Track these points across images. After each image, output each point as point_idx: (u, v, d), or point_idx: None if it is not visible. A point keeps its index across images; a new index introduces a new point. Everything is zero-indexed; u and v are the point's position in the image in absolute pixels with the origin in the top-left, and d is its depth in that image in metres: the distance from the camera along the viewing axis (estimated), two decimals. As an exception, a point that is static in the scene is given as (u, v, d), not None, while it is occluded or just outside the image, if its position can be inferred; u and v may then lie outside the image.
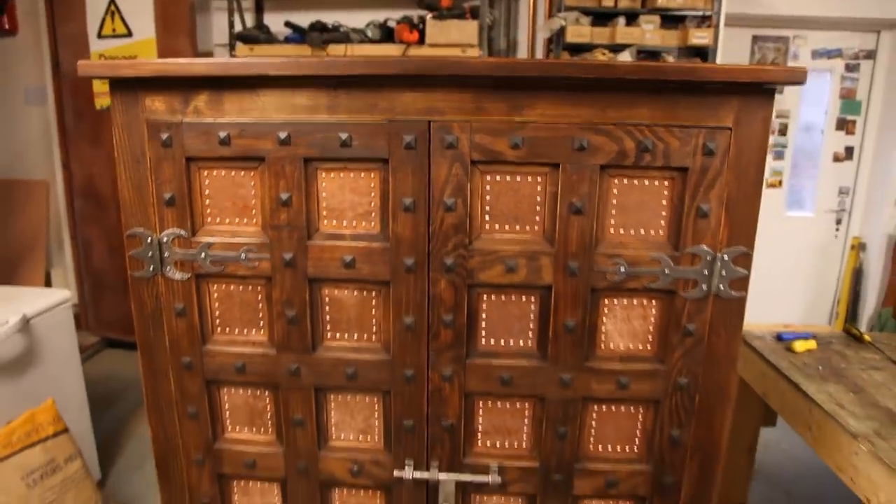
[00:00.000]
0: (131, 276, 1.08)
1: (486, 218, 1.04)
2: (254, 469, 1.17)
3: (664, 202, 1.03)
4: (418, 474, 1.13)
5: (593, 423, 1.13)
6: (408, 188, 1.01)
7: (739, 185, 1.00)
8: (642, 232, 1.04)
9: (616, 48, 2.95)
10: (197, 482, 1.20)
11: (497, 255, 1.04)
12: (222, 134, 1.00)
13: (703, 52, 2.95)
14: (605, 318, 1.08)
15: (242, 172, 1.03)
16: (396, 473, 1.14)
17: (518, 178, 1.02)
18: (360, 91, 0.97)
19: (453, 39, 2.87)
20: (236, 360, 1.11)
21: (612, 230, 1.04)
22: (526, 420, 1.14)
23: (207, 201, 1.05)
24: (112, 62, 0.98)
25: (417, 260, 1.03)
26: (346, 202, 1.04)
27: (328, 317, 1.09)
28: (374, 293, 1.07)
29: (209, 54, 3.20)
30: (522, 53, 3.38)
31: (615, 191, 1.02)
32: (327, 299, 1.08)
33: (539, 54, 3.33)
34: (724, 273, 1.03)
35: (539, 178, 1.02)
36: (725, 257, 1.02)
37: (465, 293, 1.05)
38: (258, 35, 2.88)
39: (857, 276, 3.64)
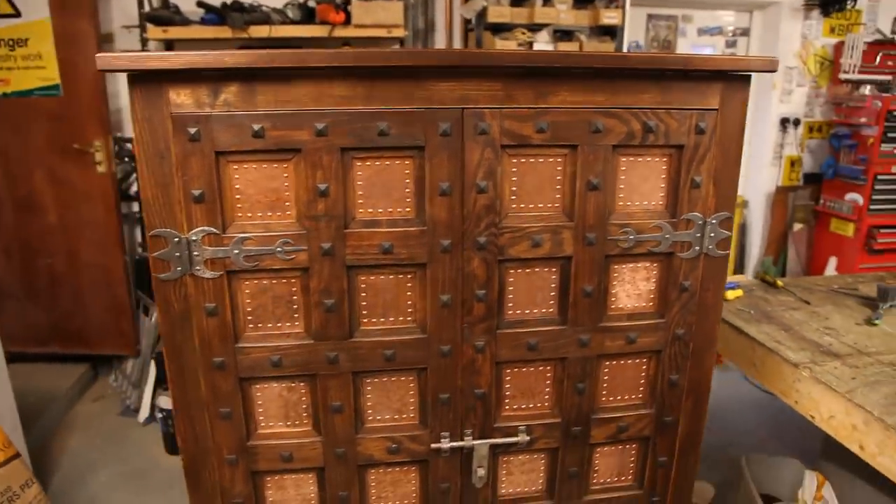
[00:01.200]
0: (156, 279, 1.04)
1: (513, 198, 1.11)
2: (290, 461, 1.18)
3: (663, 176, 1.16)
4: (454, 444, 1.20)
5: (605, 376, 1.26)
6: (444, 173, 1.06)
7: (724, 158, 1.15)
8: (645, 203, 1.17)
9: (534, 27, 3.10)
10: (230, 482, 1.18)
11: (524, 231, 1.12)
12: (256, 126, 0.98)
13: (612, 31, 3.19)
14: (614, 282, 1.20)
15: (275, 164, 1.02)
16: (434, 446, 1.20)
17: (541, 160, 1.10)
18: (397, 81, 1.00)
19: (380, 20, 2.86)
20: (272, 354, 1.11)
21: (620, 203, 1.16)
22: (548, 381, 1.24)
23: (238, 196, 1.03)
24: (137, 55, 0.92)
25: (453, 240, 1.09)
26: (382, 189, 1.06)
27: (364, 302, 1.12)
28: (409, 275, 1.12)
29: (110, 37, 2.93)
30: (440, 33, 3.43)
31: (623, 167, 1.14)
32: (363, 285, 1.11)
33: (457, 34, 3.41)
34: (712, 235, 1.18)
35: (559, 159, 1.11)
36: (713, 221, 1.18)
37: (496, 268, 1.13)
38: (172, 16, 2.69)
39: (743, 230, 4.16)
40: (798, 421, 2.93)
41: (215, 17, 2.79)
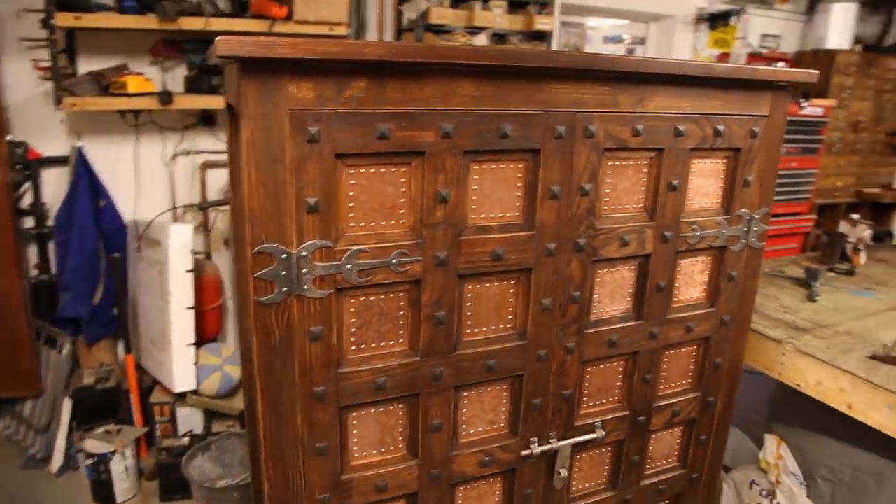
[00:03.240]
0: (256, 302, 0.91)
1: (606, 199, 1.13)
2: (385, 491, 1.09)
3: (721, 176, 1.25)
4: (543, 448, 1.19)
5: (664, 365, 1.33)
6: (555, 176, 1.05)
7: (768, 159, 1.27)
8: (707, 201, 1.25)
9: (473, 30, 3.13)
10: (319, 523, 1.06)
11: (615, 231, 1.14)
12: (383, 126, 0.90)
13: (541, 36, 3.33)
14: (678, 276, 1.28)
15: (394, 168, 0.94)
16: (524, 453, 1.18)
17: (632, 162, 1.14)
18: (520, 82, 0.97)
19: (324, 17, 2.71)
20: (376, 376, 1.02)
21: (688, 202, 1.23)
22: (620, 375, 1.28)
23: (351, 204, 0.94)
24: (265, 39, 0.78)
25: (558, 244, 1.08)
26: (494, 194, 1.03)
27: (469, 312, 1.07)
28: (513, 281, 1.09)
29: None
30: (371, 32, 3.34)
31: (693, 169, 1.21)
32: (469, 294, 1.06)
33: (388, 34, 3.34)
34: (755, 228, 1.30)
35: (646, 161, 1.15)
36: (757, 216, 1.29)
37: (590, 269, 1.14)
38: (86, 1, 2.30)
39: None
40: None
41: (134, 3, 2.46)
